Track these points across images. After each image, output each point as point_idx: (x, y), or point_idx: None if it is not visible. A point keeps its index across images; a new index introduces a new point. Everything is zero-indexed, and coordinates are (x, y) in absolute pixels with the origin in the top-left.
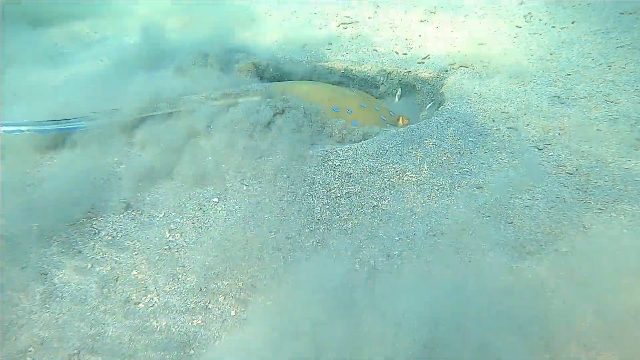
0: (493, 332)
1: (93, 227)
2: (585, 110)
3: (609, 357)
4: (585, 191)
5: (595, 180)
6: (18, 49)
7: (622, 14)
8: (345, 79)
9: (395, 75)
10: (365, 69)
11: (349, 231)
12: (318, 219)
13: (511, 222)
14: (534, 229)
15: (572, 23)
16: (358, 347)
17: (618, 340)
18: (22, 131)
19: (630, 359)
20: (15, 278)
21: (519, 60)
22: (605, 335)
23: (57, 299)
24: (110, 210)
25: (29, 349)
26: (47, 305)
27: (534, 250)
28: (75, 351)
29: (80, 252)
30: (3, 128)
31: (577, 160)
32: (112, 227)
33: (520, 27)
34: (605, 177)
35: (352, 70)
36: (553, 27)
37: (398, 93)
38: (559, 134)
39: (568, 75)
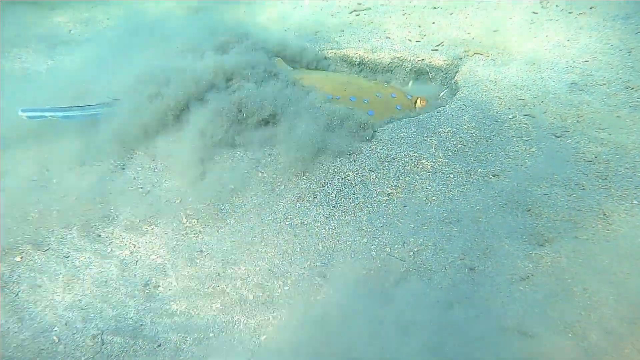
0: (512, 318)
1: (111, 212)
2: (604, 97)
3: (632, 342)
4: (605, 179)
5: (616, 168)
6: (32, 34)
7: None
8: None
9: (408, 63)
10: (379, 57)
11: (364, 219)
12: (333, 206)
13: (529, 210)
14: (553, 216)
15: (590, 8)
16: (376, 333)
17: None
18: (45, 117)
19: None
20: (38, 260)
21: (535, 47)
22: (627, 322)
23: (80, 281)
24: (128, 195)
25: (54, 329)
26: (69, 287)
27: (553, 238)
28: (99, 332)
29: (99, 236)
30: (26, 114)
31: (596, 147)
32: (130, 212)
33: (537, 13)
34: (626, 165)
35: (364, 57)
36: (570, 12)
37: (411, 83)
38: (577, 121)
39: (586, 61)
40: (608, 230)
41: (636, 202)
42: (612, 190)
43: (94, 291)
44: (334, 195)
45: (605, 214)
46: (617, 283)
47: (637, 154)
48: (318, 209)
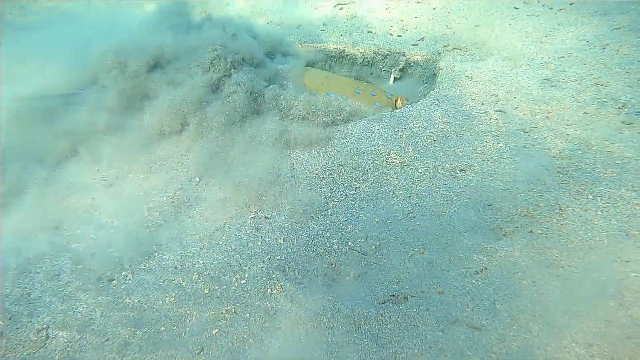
0: (461, 310)
1: (71, 203)
2: (574, 93)
3: (571, 335)
4: (566, 174)
5: (577, 163)
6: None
7: None
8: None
9: (390, 57)
10: (359, 52)
11: (329, 212)
12: (299, 200)
13: (490, 205)
14: (512, 211)
15: (570, 4)
16: (328, 328)
17: (583, 319)
18: None
19: (593, 336)
20: None
21: (513, 43)
22: (569, 314)
23: (31, 274)
24: (89, 186)
25: None
26: (19, 281)
27: (510, 232)
28: (44, 326)
29: (57, 228)
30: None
31: (561, 143)
32: (90, 204)
33: (518, 8)
34: (587, 160)
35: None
36: (550, 8)
37: (393, 75)
38: (546, 117)
39: (561, 57)
40: (561, 224)
41: (591, 196)
42: (571, 185)
43: (45, 284)
44: (301, 189)
45: (561, 209)
46: (564, 276)
47: (599, 150)
48: (283, 202)
